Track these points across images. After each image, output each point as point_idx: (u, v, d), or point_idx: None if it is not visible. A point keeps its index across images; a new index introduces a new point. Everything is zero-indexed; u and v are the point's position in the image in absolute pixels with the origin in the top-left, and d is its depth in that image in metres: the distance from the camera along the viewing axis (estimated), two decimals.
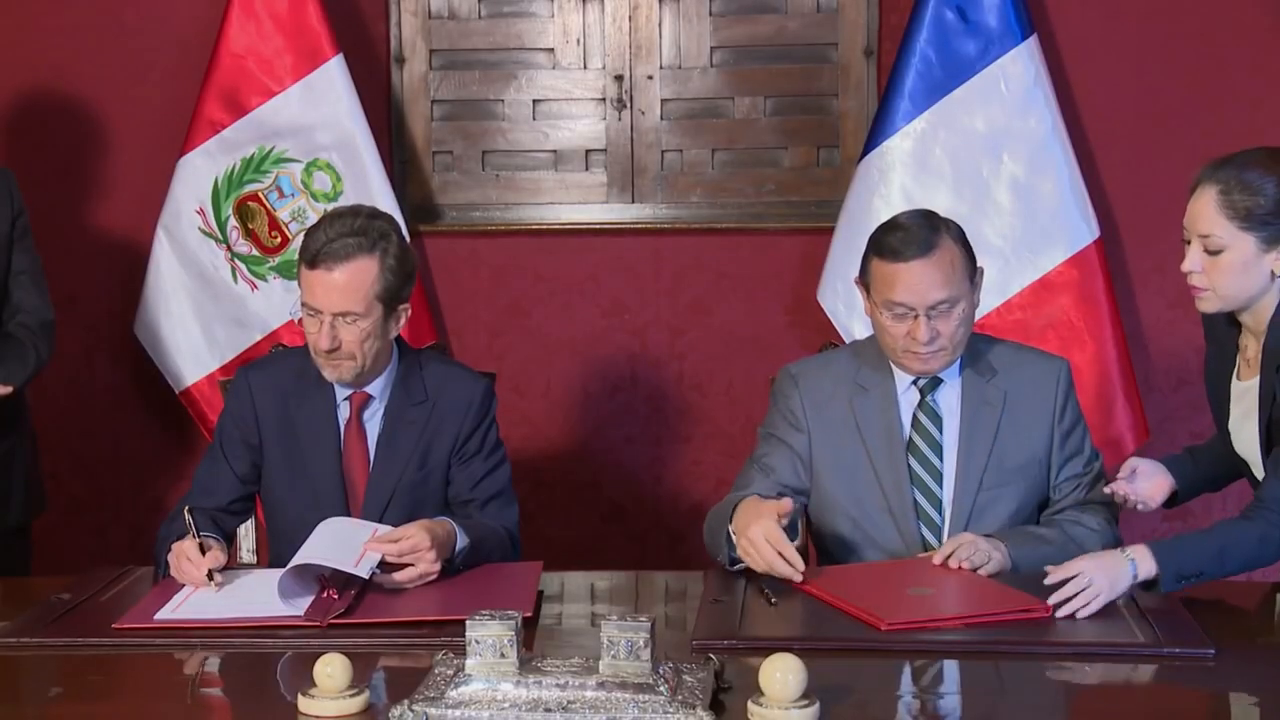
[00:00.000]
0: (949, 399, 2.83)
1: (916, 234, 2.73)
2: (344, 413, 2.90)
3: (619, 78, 4.02)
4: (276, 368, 2.99)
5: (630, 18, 3.99)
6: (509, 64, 4.05)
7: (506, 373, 3.89)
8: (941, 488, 2.80)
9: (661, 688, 2.01)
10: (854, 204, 3.76)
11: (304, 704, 2.05)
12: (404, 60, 4.05)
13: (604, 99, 4.03)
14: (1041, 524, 2.82)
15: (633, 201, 4.06)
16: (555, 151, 4.06)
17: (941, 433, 2.81)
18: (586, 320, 4.06)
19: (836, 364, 2.92)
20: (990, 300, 3.64)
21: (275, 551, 2.94)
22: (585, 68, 4.03)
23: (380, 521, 2.78)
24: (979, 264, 2.81)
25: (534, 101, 4.05)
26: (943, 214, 2.84)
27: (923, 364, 2.77)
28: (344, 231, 2.77)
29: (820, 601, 2.49)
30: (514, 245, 4.05)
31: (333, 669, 2.05)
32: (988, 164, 3.72)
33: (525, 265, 4.05)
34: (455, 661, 2.09)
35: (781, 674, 1.98)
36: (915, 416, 2.82)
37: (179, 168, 3.84)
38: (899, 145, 3.72)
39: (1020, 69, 3.67)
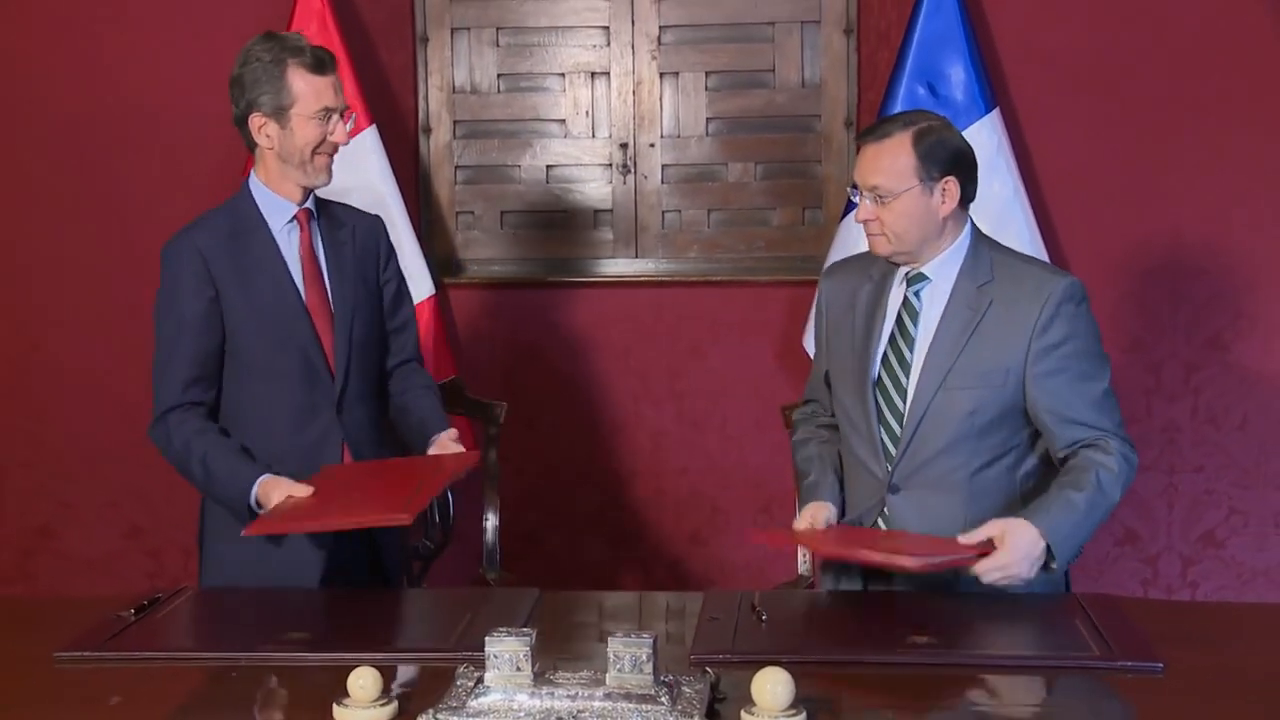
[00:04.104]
0: (933, 296, 2.70)
1: (881, 123, 2.70)
2: (292, 235, 2.82)
3: (624, 145, 4.07)
4: (209, 225, 2.83)
5: (634, 92, 4.05)
6: (525, 133, 4.10)
7: (521, 411, 3.91)
8: (908, 379, 2.69)
9: (663, 698, 2.02)
10: (836, 259, 3.78)
11: (338, 713, 2.06)
12: (430, 130, 4.10)
13: (610, 164, 4.07)
14: (1072, 471, 2.60)
15: (636, 256, 4.10)
16: (566, 211, 4.10)
17: (917, 327, 2.70)
18: (594, 363, 4.08)
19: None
20: None
21: (235, 398, 2.85)
22: (594, 136, 4.08)
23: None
24: (955, 175, 2.63)
25: (547, 167, 4.09)
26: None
27: (869, 243, 2.72)
28: (312, 42, 2.83)
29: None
30: (529, 296, 4.08)
31: (364, 681, 2.05)
32: None
33: (539, 313, 4.08)
34: (475, 674, 2.10)
35: (772, 685, 1.98)
36: (899, 311, 2.72)
37: None
38: None
39: (984, 139, 3.66)
